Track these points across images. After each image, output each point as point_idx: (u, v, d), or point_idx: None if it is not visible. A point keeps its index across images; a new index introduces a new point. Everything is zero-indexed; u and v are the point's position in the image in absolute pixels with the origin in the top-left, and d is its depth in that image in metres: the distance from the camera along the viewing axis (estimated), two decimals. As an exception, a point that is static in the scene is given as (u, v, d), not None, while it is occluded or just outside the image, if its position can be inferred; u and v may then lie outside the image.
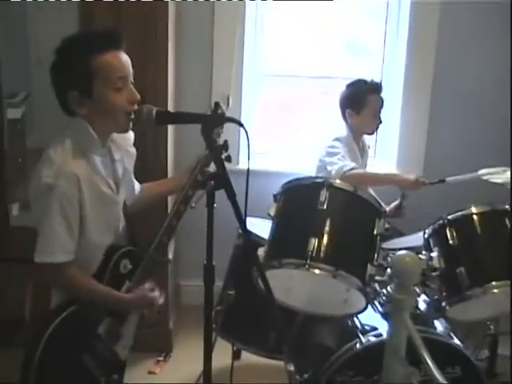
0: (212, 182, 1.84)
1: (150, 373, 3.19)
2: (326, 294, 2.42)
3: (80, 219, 1.91)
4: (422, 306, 2.60)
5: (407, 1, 3.52)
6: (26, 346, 1.90)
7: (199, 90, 3.49)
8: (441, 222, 2.45)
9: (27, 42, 3.23)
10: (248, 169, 1.89)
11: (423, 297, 2.64)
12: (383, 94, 3.28)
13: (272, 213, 2.40)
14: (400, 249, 2.71)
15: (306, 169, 3.27)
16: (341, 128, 3.28)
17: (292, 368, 2.60)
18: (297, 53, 3.74)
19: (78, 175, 1.87)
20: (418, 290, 2.63)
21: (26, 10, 3.18)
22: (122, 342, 2.08)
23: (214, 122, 1.84)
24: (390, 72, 3.69)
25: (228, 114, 3.27)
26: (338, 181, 2.36)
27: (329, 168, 3.13)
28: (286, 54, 3.75)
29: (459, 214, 2.42)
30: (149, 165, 2.94)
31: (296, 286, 2.45)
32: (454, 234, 2.41)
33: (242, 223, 1.89)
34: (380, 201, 2.44)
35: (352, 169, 3.06)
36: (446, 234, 2.42)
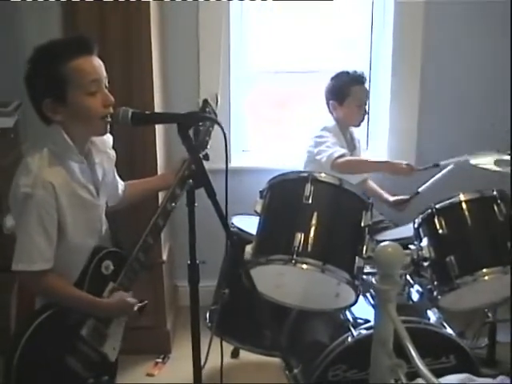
0: (191, 181, 1.83)
1: (149, 375, 3.18)
2: (317, 289, 2.40)
3: (59, 226, 1.92)
4: (416, 296, 2.60)
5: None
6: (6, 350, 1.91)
7: (187, 89, 3.48)
8: (429, 211, 2.43)
9: (17, 49, 3.23)
10: (226, 167, 1.88)
11: (417, 287, 2.63)
12: (371, 86, 3.27)
13: (258, 209, 2.38)
14: (393, 240, 2.75)
15: (299, 164, 3.26)
16: (329, 121, 3.28)
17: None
18: (285, 48, 3.72)
19: (54, 184, 1.88)
20: (410, 280, 2.65)
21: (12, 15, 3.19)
22: (109, 343, 2.08)
23: (190, 120, 1.82)
24: (378, 63, 3.67)
25: (217, 112, 3.29)
26: (323, 174, 2.33)
27: (318, 157, 3.11)
28: (273, 50, 3.73)
29: (447, 202, 2.40)
30: (138, 165, 2.95)
31: (287, 283, 2.43)
32: (443, 222, 2.39)
33: (224, 221, 1.88)
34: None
35: (342, 155, 3.05)
36: (435, 223, 2.40)
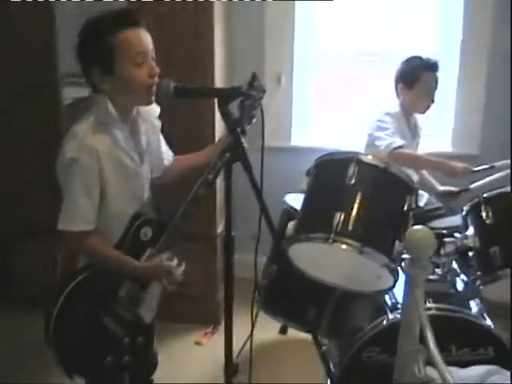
0: (227, 154, 1.87)
1: (197, 343, 3.28)
2: (359, 270, 2.40)
3: (101, 191, 2.01)
4: (461, 285, 2.56)
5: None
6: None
7: (252, 68, 3.51)
8: (477, 200, 2.39)
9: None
10: (262, 146, 1.95)
11: (463, 276, 2.60)
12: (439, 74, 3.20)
13: (304, 188, 2.41)
14: (445, 228, 2.72)
15: (360, 146, 3.25)
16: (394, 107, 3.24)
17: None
18: (352, 31, 3.70)
19: (99, 150, 1.97)
20: (458, 269, 2.61)
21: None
22: (145, 306, 2.16)
23: (229, 95, 1.87)
24: (445, 50, 3.60)
25: (280, 91, 3.33)
26: (369, 156, 2.33)
27: (377, 143, 3.10)
28: (340, 33, 3.72)
29: (495, 192, 2.35)
30: (197, 142, 3.02)
31: (329, 261, 2.44)
32: (490, 212, 2.34)
33: (258, 195, 1.93)
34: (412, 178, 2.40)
35: (400, 147, 3.02)
36: (481, 212, 2.36)
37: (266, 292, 2.91)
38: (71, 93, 3.31)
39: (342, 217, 2.21)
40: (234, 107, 2.07)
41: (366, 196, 2.28)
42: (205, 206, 3.17)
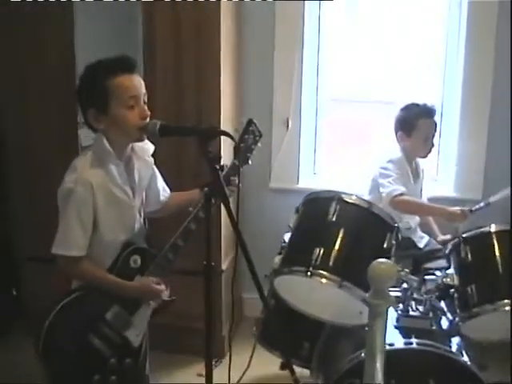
0: (206, 189, 2.04)
1: (199, 375, 3.38)
2: (343, 305, 2.50)
3: (94, 220, 2.19)
4: (445, 323, 2.63)
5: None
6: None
7: (261, 113, 3.67)
8: (457, 239, 2.49)
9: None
10: (238, 184, 2.23)
11: (449, 315, 2.66)
12: (441, 116, 3.31)
13: (291, 224, 2.55)
14: (440, 268, 2.79)
15: (364, 191, 3.38)
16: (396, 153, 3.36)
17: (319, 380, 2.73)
18: (359, 78, 3.84)
19: (93, 183, 2.16)
20: (445, 307, 2.68)
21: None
22: (132, 330, 2.30)
23: (209, 134, 2.03)
24: (448, 94, 3.71)
25: (286, 136, 3.49)
26: (353, 197, 2.46)
27: (381, 190, 3.23)
28: (347, 79, 3.86)
29: (473, 232, 2.45)
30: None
31: (315, 297, 2.55)
32: (468, 251, 2.44)
33: (235, 229, 2.07)
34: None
35: (401, 194, 3.14)
36: (461, 251, 2.46)
37: (263, 326, 3.01)
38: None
39: (322, 251, 2.34)
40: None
41: (347, 233, 2.41)
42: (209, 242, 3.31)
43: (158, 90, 3.21)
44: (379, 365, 1.73)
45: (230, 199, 2.13)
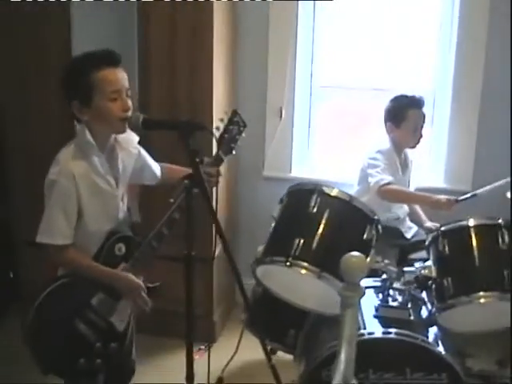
0: (186, 182, 2.10)
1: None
2: (324, 295, 2.56)
3: (79, 210, 2.27)
4: (425, 313, 2.69)
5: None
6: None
7: (255, 103, 3.73)
8: (436, 232, 2.54)
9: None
10: (217, 177, 2.31)
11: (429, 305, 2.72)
12: (433, 107, 3.34)
13: (275, 214, 2.61)
14: (424, 259, 2.85)
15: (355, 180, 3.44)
16: (385, 143, 3.41)
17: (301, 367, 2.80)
18: (353, 64, 3.86)
19: (75, 174, 2.23)
20: (426, 297, 2.74)
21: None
22: (117, 315, 2.38)
23: (189, 128, 2.09)
24: (440, 85, 3.73)
25: (280, 125, 3.54)
26: (335, 190, 2.51)
27: (369, 179, 3.28)
28: (340, 66, 3.89)
29: (451, 225, 2.50)
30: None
31: (299, 287, 2.61)
32: (446, 244, 2.49)
33: (214, 219, 2.13)
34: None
35: (388, 183, 3.19)
36: (439, 244, 2.51)
37: (250, 312, 3.08)
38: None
39: (302, 242, 2.40)
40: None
41: (327, 224, 2.46)
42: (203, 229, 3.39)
43: (152, 85, 3.31)
44: (344, 356, 1.78)
45: (218, 188, 2.29)
